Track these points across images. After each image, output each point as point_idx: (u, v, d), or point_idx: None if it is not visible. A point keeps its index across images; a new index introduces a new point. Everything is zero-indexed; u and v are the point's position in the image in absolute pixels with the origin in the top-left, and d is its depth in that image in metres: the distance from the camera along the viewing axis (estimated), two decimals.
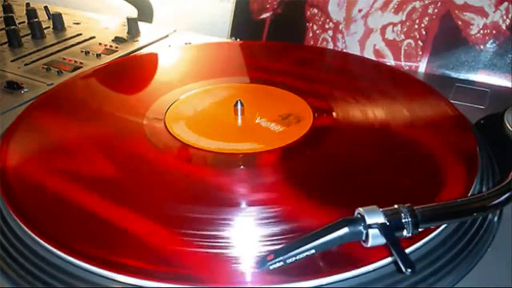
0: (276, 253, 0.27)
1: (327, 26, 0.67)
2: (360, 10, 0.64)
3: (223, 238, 0.31)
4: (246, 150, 0.40)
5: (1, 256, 0.32)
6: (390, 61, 0.62)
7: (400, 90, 0.50)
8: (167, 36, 0.72)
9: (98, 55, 0.64)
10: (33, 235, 0.32)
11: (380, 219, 0.27)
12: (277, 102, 0.48)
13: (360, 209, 0.28)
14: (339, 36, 0.66)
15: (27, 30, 0.72)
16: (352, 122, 0.44)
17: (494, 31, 0.57)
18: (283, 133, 0.42)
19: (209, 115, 0.46)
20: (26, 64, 0.62)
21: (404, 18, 0.61)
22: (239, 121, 0.45)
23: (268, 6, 0.71)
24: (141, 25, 0.74)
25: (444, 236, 0.32)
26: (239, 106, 0.45)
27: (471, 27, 0.58)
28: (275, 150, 0.40)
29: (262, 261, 0.27)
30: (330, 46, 0.67)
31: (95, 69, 0.58)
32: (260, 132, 0.43)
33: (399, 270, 0.27)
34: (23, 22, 0.76)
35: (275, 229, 0.31)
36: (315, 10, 0.68)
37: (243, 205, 0.34)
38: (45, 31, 0.72)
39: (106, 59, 0.63)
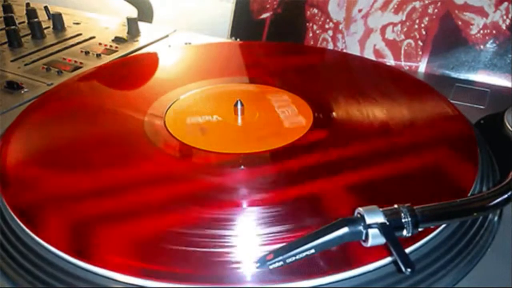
0: (276, 253, 0.27)
1: (327, 26, 0.67)
2: (360, 10, 0.64)
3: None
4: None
5: (1, 256, 0.32)
6: (390, 61, 0.62)
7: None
8: (167, 36, 0.72)
9: (98, 55, 0.64)
10: (33, 235, 0.32)
11: (380, 219, 0.27)
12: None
13: (360, 209, 0.28)
14: (339, 36, 0.66)
15: (27, 30, 0.72)
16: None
17: (494, 31, 0.57)
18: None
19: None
20: (26, 64, 0.62)
21: (404, 18, 0.61)
22: (239, 121, 0.45)
23: (268, 6, 0.71)
24: (141, 25, 0.74)
25: (444, 236, 0.32)
26: (239, 106, 0.45)
27: (471, 27, 0.58)
28: None
29: (262, 261, 0.27)
30: (330, 46, 0.67)
31: (95, 69, 0.58)
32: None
33: (399, 270, 0.27)
34: (23, 22, 0.76)
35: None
36: (315, 10, 0.68)
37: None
38: (45, 31, 0.72)
39: (106, 59, 0.63)
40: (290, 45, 0.65)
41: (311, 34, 0.68)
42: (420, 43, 0.60)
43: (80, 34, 0.72)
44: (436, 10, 0.60)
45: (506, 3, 0.56)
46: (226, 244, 0.30)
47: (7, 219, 0.35)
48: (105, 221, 0.33)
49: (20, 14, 0.78)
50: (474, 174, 0.37)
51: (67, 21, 0.76)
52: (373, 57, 0.63)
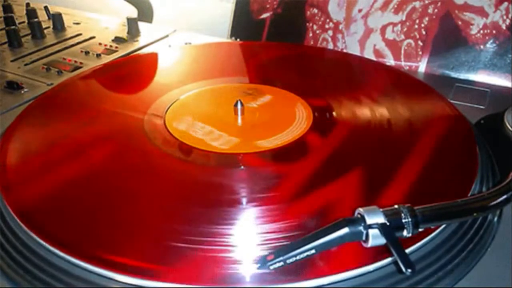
0: (276, 253, 0.27)
1: (327, 26, 0.67)
2: (360, 10, 0.64)
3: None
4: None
5: (1, 256, 0.32)
6: (390, 61, 0.62)
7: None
8: (167, 36, 0.72)
9: (98, 55, 0.64)
10: (33, 235, 0.32)
11: (380, 219, 0.27)
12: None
13: (360, 209, 0.28)
14: (339, 36, 0.66)
15: (27, 30, 0.72)
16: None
17: (494, 31, 0.57)
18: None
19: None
20: (26, 64, 0.62)
21: (404, 18, 0.61)
22: (239, 121, 0.45)
23: (268, 6, 0.71)
24: (141, 25, 0.74)
25: (444, 236, 0.32)
26: (239, 106, 0.45)
27: (471, 27, 0.58)
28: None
29: (262, 261, 0.27)
30: (330, 46, 0.67)
31: (95, 69, 0.58)
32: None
33: (399, 270, 0.27)
34: (23, 22, 0.76)
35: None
36: (315, 10, 0.68)
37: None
38: (45, 31, 0.72)
39: (106, 59, 0.63)
40: (290, 45, 0.65)
41: (311, 34, 0.68)
42: (420, 43, 0.60)
43: (80, 34, 0.72)
44: (436, 10, 0.60)
45: (506, 3, 0.56)
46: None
47: (7, 219, 0.35)
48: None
49: (20, 14, 0.78)
50: (474, 174, 0.37)
51: (67, 21, 0.76)
52: (373, 57, 0.63)
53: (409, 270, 0.25)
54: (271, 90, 0.50)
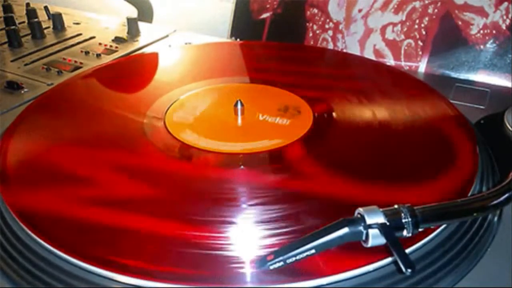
0: (276, 253, 0.27)
1: (327, 26, 0.67)
2: (360, 10, 0.64)
3: (223, 238, 0.31)
4: (264, 147, 0.40)
5: (1, 256, 0.32)
6: (390, 61, 0.62)
7: (400, 90, 0.50)
8: (167, 36, 0.72)
9: (98, 55, 0.64)
10: (33, 235, 0.32)
11: (380, 219, 0.27)
12: (276, 101, 0.48)
13: (360, 209, 0.28)
14: (339, 36, 0.66)
15: (27, 30, 0.72)
16: (351, 122, 0.44)
17: (494, 31, 0.57)
18: (291, 125, 0.43)
19: (209, 115, 0.46)
20: (26, 64, 0.62)
21: (404, 18, 0.61)
22: (239, 121, 0.45)
23: (268, 6, 0.71)
24: (141, 25, 0.74)
25: (444, 236, 0.32)
26: (239, 106, 0.45)
27: (471, 27, 0.58)
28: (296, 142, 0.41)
29: (262, 261, 0.27)
30: (330, 46, 0.67)
31: (95, 69, 0.58)
32: (268, 127, 0.44)
33: (399, 270, 0.27)
34: (23, 22, 0.76)
35: (276, 229, 0.31)
36: (315, 10, 0.68)
37: (244, 205, 0.34)
38: (45, 31, 0.72)
39: (106, 59, 0.63)
40: (290, 45, 0.65)
41: (311, 34, 0.68)
42: (420, 43, 0.60)
43: (80, 34, 0.72)
44: (436, 10, 0.60)
45: (506, 3, 0.56)
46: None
47: (7, 219, 0.35)
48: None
49: (20, 14, 0.78)
50: (474, 174, 0.37)
51: (67, 21, 0.76)
52: (373, 57, 0.63)
53: (409, 270, 0.25)
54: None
